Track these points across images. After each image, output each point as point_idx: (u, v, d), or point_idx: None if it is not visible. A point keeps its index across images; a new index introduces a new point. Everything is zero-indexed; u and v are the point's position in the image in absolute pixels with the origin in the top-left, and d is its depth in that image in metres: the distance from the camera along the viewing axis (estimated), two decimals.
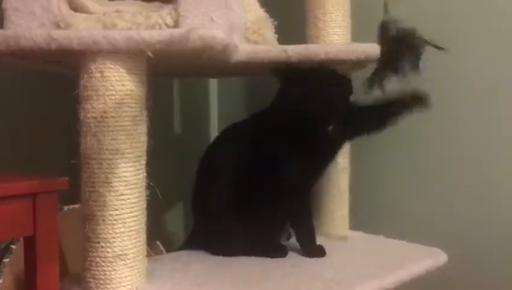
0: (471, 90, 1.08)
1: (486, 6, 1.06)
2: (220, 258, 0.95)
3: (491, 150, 1.05)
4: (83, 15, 0.87)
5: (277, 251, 0.96)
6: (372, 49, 0.96)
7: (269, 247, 0.96)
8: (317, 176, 0.99)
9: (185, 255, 0.99)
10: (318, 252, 0.96)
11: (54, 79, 1.01)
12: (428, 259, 0.95)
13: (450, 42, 1.06)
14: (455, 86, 1.09)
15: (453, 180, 1.10)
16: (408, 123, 1.15)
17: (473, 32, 1.08)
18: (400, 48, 0.93)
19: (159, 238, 1.19)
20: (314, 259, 0.95)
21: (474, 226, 1.07)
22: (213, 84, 1.55)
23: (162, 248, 1.14)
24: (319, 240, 1.00)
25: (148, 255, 0.85)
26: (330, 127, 0.92)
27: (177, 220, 1.41)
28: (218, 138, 1.05)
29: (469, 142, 1.08)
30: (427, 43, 0.95)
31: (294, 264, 0.93)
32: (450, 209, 1.11)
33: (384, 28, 0.95)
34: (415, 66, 0.94)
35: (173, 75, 1.32)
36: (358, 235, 1.11)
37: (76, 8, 0.88)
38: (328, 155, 0.97)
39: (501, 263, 1.04)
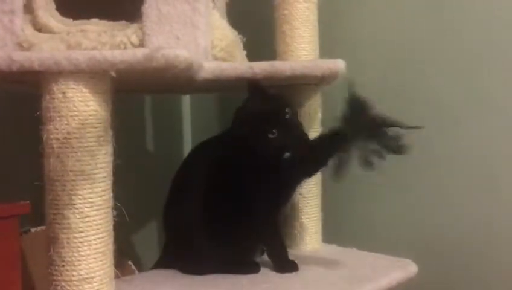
0: (440, 106, 1.10)
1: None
2: (191, 277, 0.94)
3: (462, 161, 1.07)
4: (47, 35, 0.87)
5: (249, 267, 0.96)
6: (337, 64, 0.98)
7: (241, 264, 0.96)
8: (285, 199, 0.98)
9: (156, 275, 0.98)
10: (290, 267, 0.96)
11: (16, 100, 1.00)
12: (399, 270, 0.96)
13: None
14: (426, 103, 1.11)
15: (423, 192, 1.12)
16: None
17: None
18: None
19: (132, 258, 1.18)
20: (286, 274, 0.95)
21: (443, 237, 1.09)
22: (186, 100, 1.55)
23: (134, 267, 1.13)
24: (292, 254, 1.00)
25: (118, 277, 0.83)
26: (286, 155, 0.89)
27: (151, 238, 1.39)
28: (189, 156, 1.04)
29: (439, 153, 1.10)
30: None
31: (267, 280, 0.92)
32: (420, 220, 1.12)
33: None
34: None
35: (142, 92, 1.31)
36: (331, 248, 1.11)
37: (40, 28, 0.88)
38: (290, 181, 0.95)
39: (471, 273, 1.05)
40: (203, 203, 0.94)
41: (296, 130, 0.90)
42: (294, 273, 0.95)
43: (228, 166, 0.94)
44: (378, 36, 1.17)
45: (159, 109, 1.47)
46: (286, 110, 0.88)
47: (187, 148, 1.51)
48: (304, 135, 0.93)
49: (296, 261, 0.97)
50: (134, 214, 0.84)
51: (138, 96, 1.41)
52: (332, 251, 1.10)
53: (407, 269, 0.97)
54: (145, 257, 1.34)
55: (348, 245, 1.10)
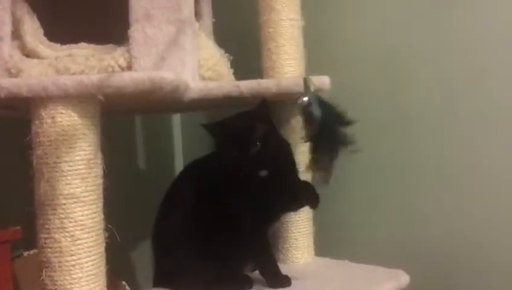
0: (429, 117, 1.11)
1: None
2: None
3: (454, 171, 1.08)
4: (35, 60, 0.88)
5: (242, 282, 0.96)
6: (322, 81, 0.99)
7: (234, 279, 0.96)
8: (271, 218, 0.99)
9: None
10: (283, 282, 0.96)
11: (5, 125, 1.00)
12: (391, 281, 0.96)
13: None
14: (414, 115, 1.13)
15: (414, 203, 1.13)
16: (366, 149, 1.19)
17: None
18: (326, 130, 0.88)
19: (125, 278, 1.17)
20: (280, 289, 0.95)
21: (435, 247, 1.10)
22: (176, 119, 1.56)
23: (128, 288, 1.13)
24: (284, 268, 1.00)
25: None
26: (263, 173, 0.90)
27: (144, 258, 1.39)
28: (180, 175, 1.06)
29: (431, 163, 1.11)
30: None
31: None
32: (412, 231, 1.13)
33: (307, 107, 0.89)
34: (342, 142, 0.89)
35: (131, 112, 1.32)
36: (324, 261, 1.11)
37: (28, 54, 0.89)
38: (273, 200, 0.95)
39: (463, 282, 1.06)
40: (191, 221, 0.95)
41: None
42: (287, 288, 0.95)
43: (216, 184, 0.94)
44: (363, 52, 1.19)
45: (149, 129, 1.48)
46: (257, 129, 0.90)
47: (178, 167, 1.52)
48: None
49: (289, 276, 0.97)
50: (126, 234, 0.85)
51: (128, 117, 1.42)
52: (325, 264, 1.10)
53: (400, 279, 0.98)
54: (138, 277, 1.33)
55: (341, 258, 1.11)
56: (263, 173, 0.90)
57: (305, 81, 0.90)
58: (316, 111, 0.87)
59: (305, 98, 0.89)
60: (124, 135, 1.42)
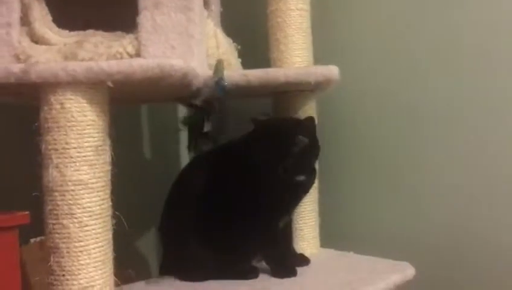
0: (435, 108, 1.11)
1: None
2: (191, 284, 0.95)
3: (459, 163, 1.08)
4: (44, 47, 0.87)
5: (248, 272, 0.96)
6: (331, 71, 0.99)
7: (240, 269, 0.96)
8: (284, 212, 0.99)
9: (156, 283, 0.98)
10: (289, 272, 0.96)
11: (14, 111, 1.00)
12: (396, 273, 0.96)
13: None
14: (421, 105, 1.12)
15: (419, 194, 1.13)
16: (373, 141, 1.19)
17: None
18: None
19: (131, 266, 1.18)
20: (285, 279, 0.95)
21: (441, 239, 1.10)
22: (182, 108, 1.55)
23: (134, 276, 1.13)
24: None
25: (118, 285, 0.84)
26: (299, 177, 0.92)
27: (150, 246, 1.40)
28: (188, 165, 1.05)
29: (436, 155, 1.11)
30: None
31: (265, 285, 0.93)
32: (417, 223, 1.13)
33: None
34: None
35: (138, 102, 1.32)
36: (329, 252, 1.12)
37: (37, 40, 0.89)
38: (290, 195, 0.96)
39: (469, 275, 1.06)
40: (201, 211, 0.95)
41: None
42: (292, 278, 0.95)
43: (230, 176, 0.94)
44: (372, 42, 1.19)
45: (156, 118, 1.48)
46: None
47: (184, 156, 1.52)
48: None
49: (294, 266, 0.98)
50: (133, 222, 0.85)
51: (135, 106, 1.42)
52: (330, 255, 1.10)
53: (405, 271, 0.98)
54: (145, 265, 1.34)
55: (346, 249, 1.11)
56: (300, 177, 0.92)
57: (218, 64, 0.91)
58: (220, 92, 0.91)
59: (215, 79, 0.90)
60: (130, 123, 1.42)
